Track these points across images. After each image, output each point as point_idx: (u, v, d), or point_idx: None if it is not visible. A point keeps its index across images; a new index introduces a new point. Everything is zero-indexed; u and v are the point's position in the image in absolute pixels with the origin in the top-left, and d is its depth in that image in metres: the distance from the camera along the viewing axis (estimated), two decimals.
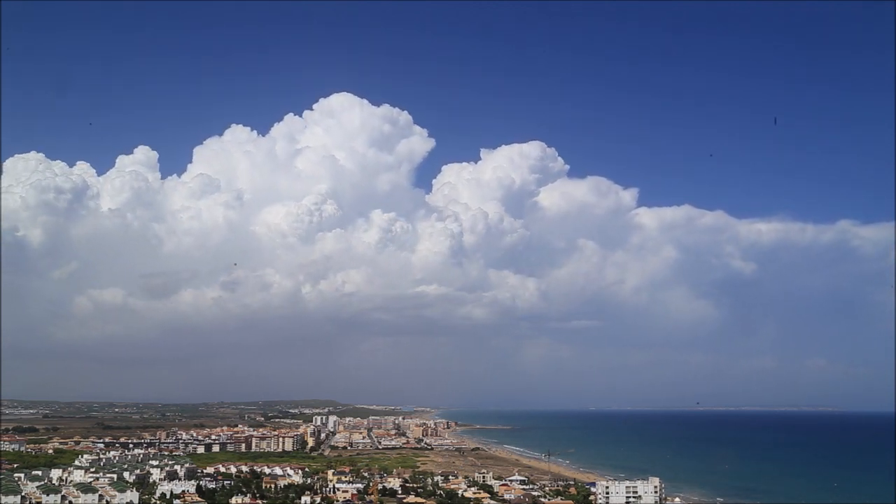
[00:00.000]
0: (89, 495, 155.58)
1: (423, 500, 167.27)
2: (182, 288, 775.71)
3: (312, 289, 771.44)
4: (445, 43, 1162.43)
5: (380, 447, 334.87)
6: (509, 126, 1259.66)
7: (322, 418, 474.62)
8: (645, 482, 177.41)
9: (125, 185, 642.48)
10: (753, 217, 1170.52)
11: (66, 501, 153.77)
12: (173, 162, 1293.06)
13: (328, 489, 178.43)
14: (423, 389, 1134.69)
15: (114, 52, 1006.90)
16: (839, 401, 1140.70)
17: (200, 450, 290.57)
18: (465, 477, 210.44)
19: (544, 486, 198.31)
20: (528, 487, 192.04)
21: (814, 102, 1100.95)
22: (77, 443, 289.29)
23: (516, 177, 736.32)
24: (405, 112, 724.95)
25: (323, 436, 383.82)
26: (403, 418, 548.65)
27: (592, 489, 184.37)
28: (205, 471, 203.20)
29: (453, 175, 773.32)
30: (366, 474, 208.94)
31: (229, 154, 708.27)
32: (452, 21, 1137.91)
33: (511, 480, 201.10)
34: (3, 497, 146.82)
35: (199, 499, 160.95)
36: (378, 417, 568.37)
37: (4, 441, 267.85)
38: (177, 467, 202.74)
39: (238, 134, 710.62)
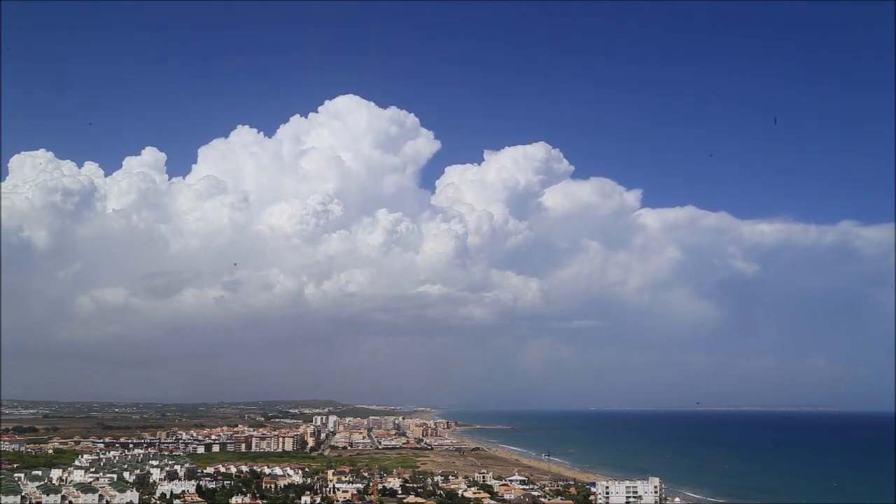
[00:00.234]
0: (89, 495, 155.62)
1: (423, 500, 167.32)
2: (184, 288, 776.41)
3: (316, 289, 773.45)
4: (448, 44, 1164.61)
5: (380, 447, 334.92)
6: (512, 127, 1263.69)
7: (322, 418, 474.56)
8: (645, 482, 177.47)
9: (132, 186, 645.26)
10: (756, 218, 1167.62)
11: (66, 501, 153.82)
12: (179, 163, 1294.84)
13: (328, 489, 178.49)
14: (423, 389, 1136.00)
15: (121, 52, 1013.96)
16: (839, 401, 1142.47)
17: (200, 450, 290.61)
18: (465, 477, 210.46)
19: (544, 486, 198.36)
20: (528, 487, 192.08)
21: (816, 103, 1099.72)
22: (77, 443, 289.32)
23: (521, 178, 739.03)
24: (412, 114, 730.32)
25: (323, 436, 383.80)
26: (403, 418, 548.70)
27: (592, 489, 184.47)
28: (205, 471, 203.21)
29: (457, 176, 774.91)
30: (366, 474, 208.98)
31: (235, 155, 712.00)
32: (455, 22, 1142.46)
33: (511, 480, 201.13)
34: (3, 497, 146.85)
35: (199, 499, 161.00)
36: (378, 417, 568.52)
37: (4, 441, 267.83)
38: (177, 467, 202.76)
39: (244, 135, 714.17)
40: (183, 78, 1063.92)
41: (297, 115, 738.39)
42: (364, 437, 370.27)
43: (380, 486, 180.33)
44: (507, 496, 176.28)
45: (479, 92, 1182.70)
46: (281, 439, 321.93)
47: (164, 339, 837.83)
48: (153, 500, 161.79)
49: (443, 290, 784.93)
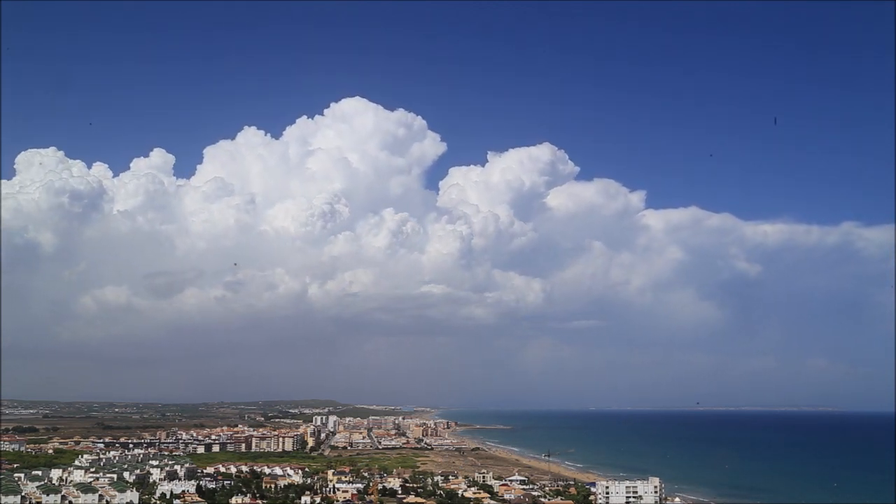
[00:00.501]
0: (89, 495, 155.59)
1: (423, 500, 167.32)
2: (186, 288, 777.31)
3: (319, 289, 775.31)
4: (452, 45, 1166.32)
5: (380, 447, 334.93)
6: (516, 129, 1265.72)
7: (322, 418, 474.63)
8: (645, 482, 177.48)
9: (140, 187, 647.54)
10: (759, 219, 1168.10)
11: (66, 501, 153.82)
12: (186, 164, 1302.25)
13: (328, 489, 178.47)
14: (423, 389, 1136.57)
15: (129, 53, 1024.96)
16: (840, 401, 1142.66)
17: (200, 450, 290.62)
18: (465, 477, 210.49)
19: (544, 486, 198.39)
20: (528, 487, 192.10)
21: (819, 104, 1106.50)
22: (77, 443, 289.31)
23: (526, 179, 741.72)
24: (419, 117, 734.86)
25: (323, 436, 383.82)
26: (403, 418, 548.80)
27: (592, 489, 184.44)
28: (205, 471, 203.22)
29: (460, 177, 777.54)
30: (366, 474, 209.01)
31: (242, 156, 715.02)
32: (459, 23, 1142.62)
33: (511, 480, 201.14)
34: (3, 497, 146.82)
35: (199, 499, 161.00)
36: (378, 417, 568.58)
37: (4, 441, 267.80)
38: (177, 467, 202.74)
39: (251, 136, 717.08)
40: (190, 79, 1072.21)
41: (305, 117, 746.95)
42: (364, 437, 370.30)
43: (380, 486, 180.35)
44: (507, 496, 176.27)
45: (483, 93, 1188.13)
46: (281, 439, 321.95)
47: (166, 339, 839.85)
48: (153, 500, 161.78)
49: (445, 290, 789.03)
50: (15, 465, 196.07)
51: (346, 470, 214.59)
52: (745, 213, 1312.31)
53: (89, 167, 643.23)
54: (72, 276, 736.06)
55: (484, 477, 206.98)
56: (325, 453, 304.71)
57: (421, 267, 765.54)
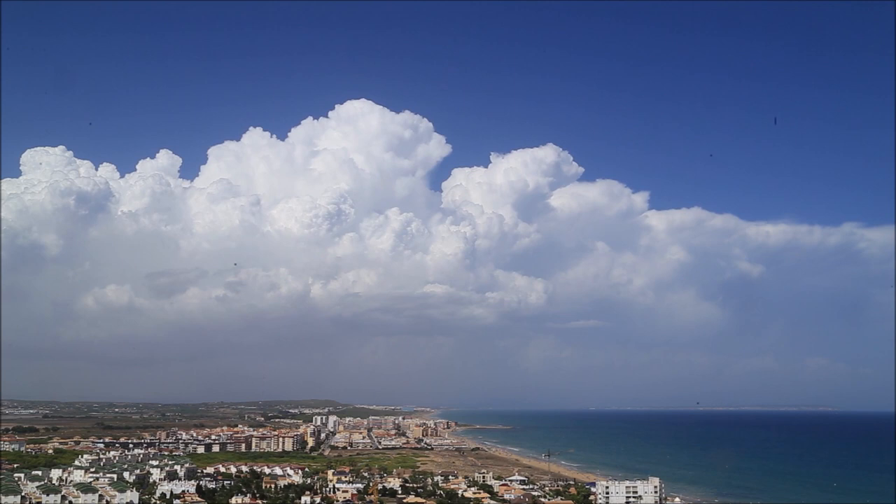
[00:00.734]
0: (89, 495, 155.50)
1: (423, 500, 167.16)
2: (188, 288, 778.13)
3: (322, 289, 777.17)
4: (456, 47, 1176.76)
5: (380, 447, 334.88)
6: (519, 130, 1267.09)
7: (322, 418, 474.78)
8: (645, 482, 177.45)
9: (146, 188, 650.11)
10: (761, 219, 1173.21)
11: (66, 501, 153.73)
12: (192, 165, 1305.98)
13: (328, 489, 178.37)
14: (423, 389, 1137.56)
15: (137, 54, 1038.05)
16: (840, 401, 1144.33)
17: (200, 450, 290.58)
18: (465, 477, 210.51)
19: (544, 486, 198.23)
20: (528, 487, 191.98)
21: (822, 105, 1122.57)
22: (77, 443, 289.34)
23: (530, 180, 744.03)
24: (425, 119, 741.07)
25: (323, 436, 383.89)
26: (403, 418, 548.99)
27: (592, 489, 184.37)
28: (205, 471, 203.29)
29: (463, 178, 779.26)
30: (366, 474, 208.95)
31: (247, 157, 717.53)
32: (464, 24, 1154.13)
33: (511, 480, 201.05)
34: (3, 497, 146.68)
35: (199, 499, 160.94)
36: (378, 417, 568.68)
37: (4, 441, 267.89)
38: (177, 467, 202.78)
39: (256, 138, 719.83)
40: (196, 80, 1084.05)
41: (310, 118, 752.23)
42: (364, 437, 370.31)
43: (380, 486, 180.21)
44: (506, 496, 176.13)
45: (486, 95, 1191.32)
46: (281, 439, 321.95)
47: (166, 339, 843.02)
48: (153, 500, 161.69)
49: (448, 290, 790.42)
50: (15, 465, 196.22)
51: (346, 470, 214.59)
52: (747, 214, 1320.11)
53: (97, 167, 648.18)
54: (75, 277, 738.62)
55: (484, 477, 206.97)
56: (325, 453, 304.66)
57: (425, 267, 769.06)
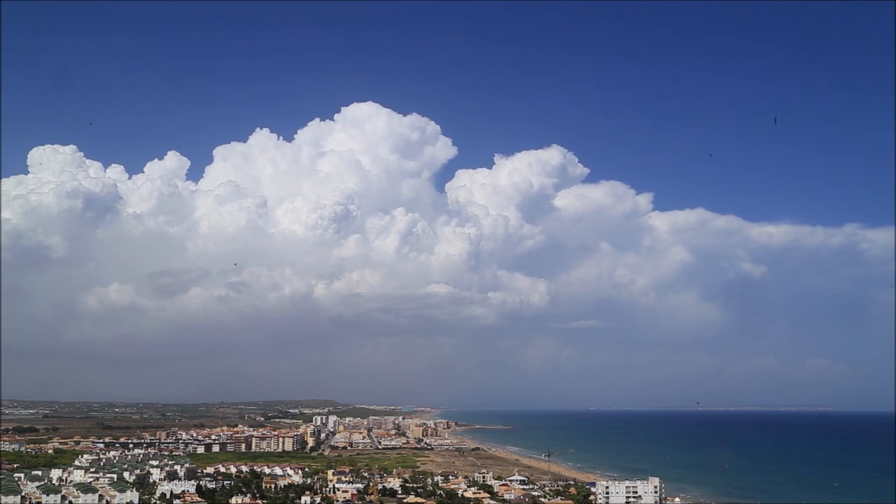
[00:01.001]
0: (89, 495, 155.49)
1: (423, 500, 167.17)
2: (191, 288, 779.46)
3: (326, 289, 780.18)
4: (460, 48, 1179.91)
5: (380, 447, 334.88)
6: (523, 131, 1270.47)
7: (322, 418, 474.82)
8: (645, 482, 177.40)
9: (153, 190, 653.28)
10: (764, 220, 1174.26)
11: (66, 501, 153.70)
12: (198, 166, 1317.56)
13: (328, 489, 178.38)
14: (423, 390, 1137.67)
15: (147, 54, 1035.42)
16: (840, 401, 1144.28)
17: (200, 450, 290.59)
18: (465, 477, 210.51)
19: (544, 486, 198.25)
20: (528, 487, 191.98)
21: (824, 106, 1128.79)
22: (77, 443, 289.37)
23: (534, 181, 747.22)
24: (432, 122, 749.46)
25: (323, 436, 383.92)
26: (403, 418, 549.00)
27: (592, 489, 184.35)
28: (205, 471, 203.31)
29: (467, 179, 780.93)
30: (366, 474, 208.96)
31: (254, 158, 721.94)
32: (467, 25, 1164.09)
33: (511, 480, 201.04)
34: (3, 497, 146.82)
35: (199, 499, 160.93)
36: (378, 417, 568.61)
37: (4, 441, 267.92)
38: (177, 467, 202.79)
39: (263, 139, 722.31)
40: (203, 81, 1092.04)
41: (317, 120, 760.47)
42: (364, 437, 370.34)
43: (380, 486, 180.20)
44: (506, 496, 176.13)
45: (490, 96, 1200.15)
46: (281, 439, 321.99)
47: (167, 338, 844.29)
48: (153, 500, 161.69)
49: (450, 290, 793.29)
50: (15, 465, 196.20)
51: (346, 470, 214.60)
52: (750, 215, 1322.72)
53: (106, 168, 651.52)
54: (79, 278, 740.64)
55: (484, 477, 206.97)
56: (325, 453, 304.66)
57: (429, 268, 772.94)
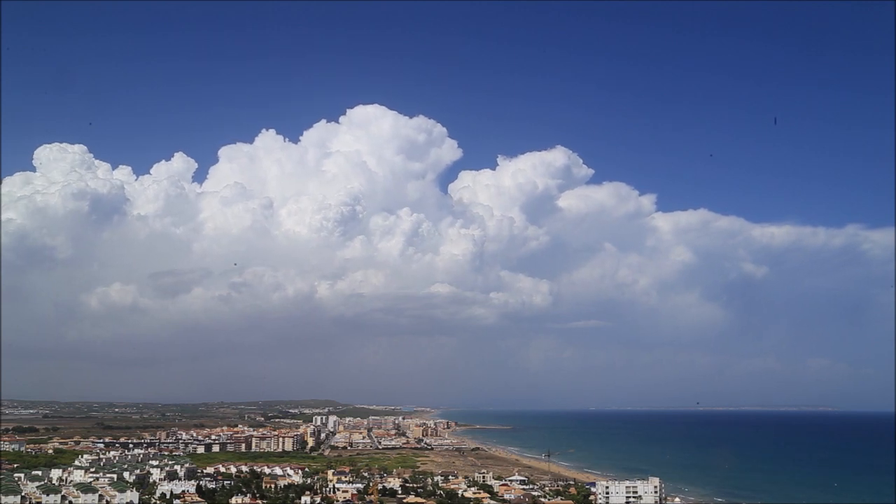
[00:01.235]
0: (89, 495, 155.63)
1: (423, 500, 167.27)
2: (193, 288, 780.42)
3: (329, 290, 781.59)
4: (464, 49, 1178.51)
5: (380, 447, 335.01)
6: (527, 133, 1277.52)
7: (322, 418, 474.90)
8: (645, 482, 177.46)
9: (160, 192, 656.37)
10: (766, 221, 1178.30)
11: (66, 501, 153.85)
12: (204, 166, 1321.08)
13: (328, 489, 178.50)
14: (423, 389, 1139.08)
15: (153, 55, 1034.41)
16: (841, 401, 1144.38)
17: (200, 450, 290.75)
18: (465, 477, 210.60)
19: (544, 486, 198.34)
20: (528, 487, 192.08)
21: (826, 107, 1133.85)
22: (77, 443, 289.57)
23: (539, 183, 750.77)
24: (439, 124, 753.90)
25: (323, 436, 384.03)
26: (403, 418, 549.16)
27: (592, 489, 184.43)
28: (205, 471, 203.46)
29: (471, 180, 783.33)
30: (366, 474, 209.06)
31: (260, 159, 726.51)
32: (471, 25, 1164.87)
33: (511, 480, 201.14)
34: (3, 497, 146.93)
35: (199, 499, 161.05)
36: (378, 417, 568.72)
37: (4, 441, 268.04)
38: (177, 467, 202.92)
39: (268, 140, 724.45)
40: (208, 81, 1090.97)
41: (323, 121, 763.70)
42: (364, 437, 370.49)
43: (380, 486, 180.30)
44: (506, 496, 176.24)
45: (495, 97, 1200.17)
46: (281, 439, 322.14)
47: (170, 338, 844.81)
48: (153, 500, 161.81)
49: (453, 290, 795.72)
50: (15, 465, 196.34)
51: (346, 470, 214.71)
52: (753, 216, 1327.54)
53: (114, 169, 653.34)
54: (82, 278, 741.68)
55: (484, 477, 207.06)
56: (325, 453, 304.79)
57: (433, 268, 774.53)
